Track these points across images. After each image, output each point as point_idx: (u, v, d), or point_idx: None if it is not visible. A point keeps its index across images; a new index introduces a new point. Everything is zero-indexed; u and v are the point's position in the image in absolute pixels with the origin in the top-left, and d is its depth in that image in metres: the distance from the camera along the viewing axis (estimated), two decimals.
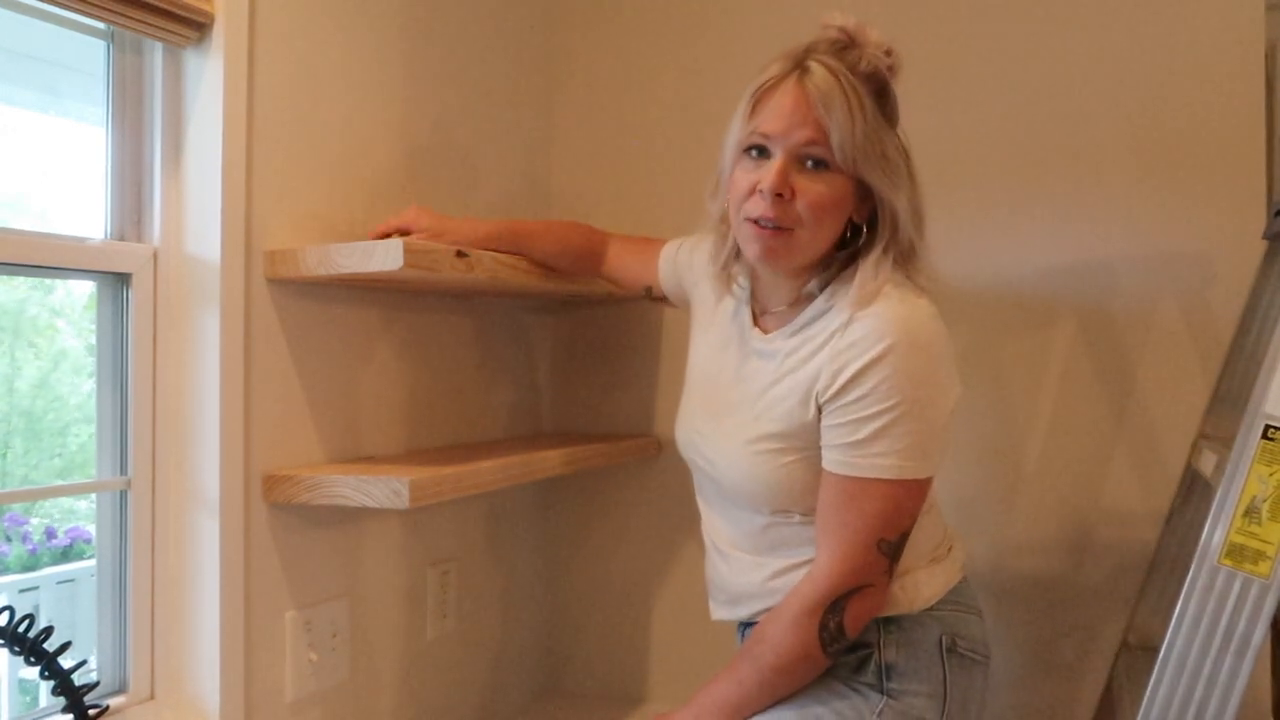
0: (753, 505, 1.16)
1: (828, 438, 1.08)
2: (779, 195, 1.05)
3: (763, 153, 1.08)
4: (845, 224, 1.11)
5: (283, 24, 1.27)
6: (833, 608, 1.06)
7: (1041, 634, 1.52)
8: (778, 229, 1.07)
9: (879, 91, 1.07)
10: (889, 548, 1.07)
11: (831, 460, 1.08)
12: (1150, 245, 1.47)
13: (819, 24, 1.09)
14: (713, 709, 1.11)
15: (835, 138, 1.03)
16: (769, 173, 1.06)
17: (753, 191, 1.07)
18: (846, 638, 1.08)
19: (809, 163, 1.06)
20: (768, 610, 1.17)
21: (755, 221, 1.08)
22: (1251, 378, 1.15)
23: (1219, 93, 1.43)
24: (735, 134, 1.10)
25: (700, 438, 1.23)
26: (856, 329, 1.06)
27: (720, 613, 1.26)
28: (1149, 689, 0.94)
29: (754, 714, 1.10)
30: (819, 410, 1.08)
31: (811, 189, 1.06)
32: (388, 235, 1.31)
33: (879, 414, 1.04)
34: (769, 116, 1.06)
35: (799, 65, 1.06)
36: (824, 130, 1.04)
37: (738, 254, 1.17)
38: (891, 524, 1.06)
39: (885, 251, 1.09)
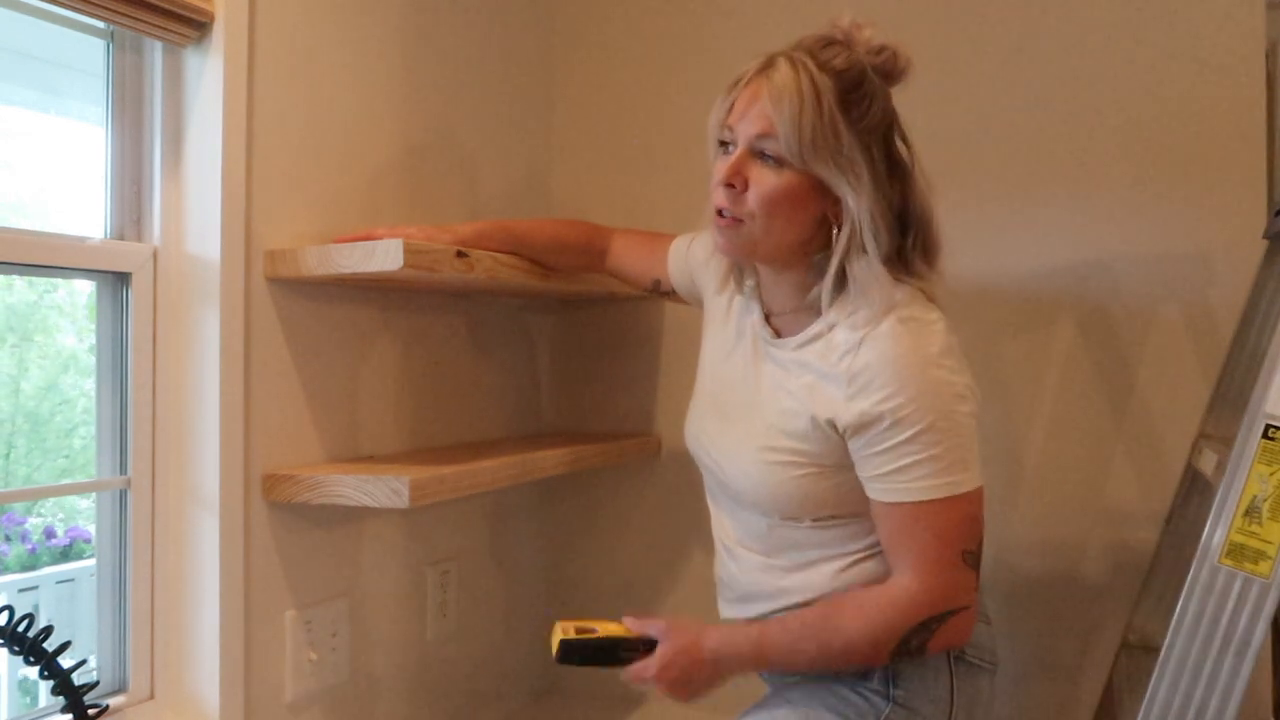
0: (760, 510, 1.16)
1: (867, 469, 1.07)
2: (730, 185, 1.08)
3: (731, 145, 1.10)
4: (811, 221, 1.10)
5: (283, 23, 1.27)
6: (922, 627, 1.05)
7: (1041, 634, 1.52)
8: (731, 219, 1.09)
9: (848, 88, 1.06)
10: (973, 559, 1.06)
11: (879, 490, 1.06)
12: (1150, 245, 1.47)
13: (793, 20, 1.11)
14: (752, 647, 1.10)
15: (782, 131, 1.04)
16: (724, 163, 1.09)
17: (717, 183, 1.10)
18: (922, 655, 1.07)
19: (766, 157, 1.07)
20: (775, 609, 1.16)
21: (718, 212, 1.10)
22: (1252, 377, 1.15)
23: (1219, 92, 1.43)
24: (710, 129, 1.13)
25: (709, 439, 1.22)
26: (867, 353, 1.05)
27: (729, 611, 1.25)
28: (1149, 689, 0.94)
29: (781, 670, 1.11)
30: (839, 435, 1.07)
31: (762, 180, 1.07)
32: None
33: (913, 438, 1.03)
34: (733, 110, 1.09)
35: (769, 61, 1.08)
36: (773, 124, 1.05)
37: None
38: (967, 535, 1.06)
39: (849, 253, 1.07)
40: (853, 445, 1.07)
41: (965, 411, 1.06)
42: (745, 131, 1.07)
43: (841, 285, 1.11)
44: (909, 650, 1.06)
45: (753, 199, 1.08)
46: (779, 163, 1.06)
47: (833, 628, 1.08)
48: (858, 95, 1.06)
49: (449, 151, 1.59)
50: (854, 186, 1.06)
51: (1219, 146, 1.43)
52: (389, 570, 1.47)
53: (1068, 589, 1.51)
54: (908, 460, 1.04)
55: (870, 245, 1.07)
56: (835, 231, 1.10)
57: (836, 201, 1.08)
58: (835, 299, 1.10)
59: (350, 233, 1.30)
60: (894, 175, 1.09)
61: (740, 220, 1.09)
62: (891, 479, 1.05)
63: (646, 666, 1.11)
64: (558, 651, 1.13)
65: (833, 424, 1.07)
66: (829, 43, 1.07)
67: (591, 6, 1.84)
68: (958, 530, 1.05)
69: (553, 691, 1.87)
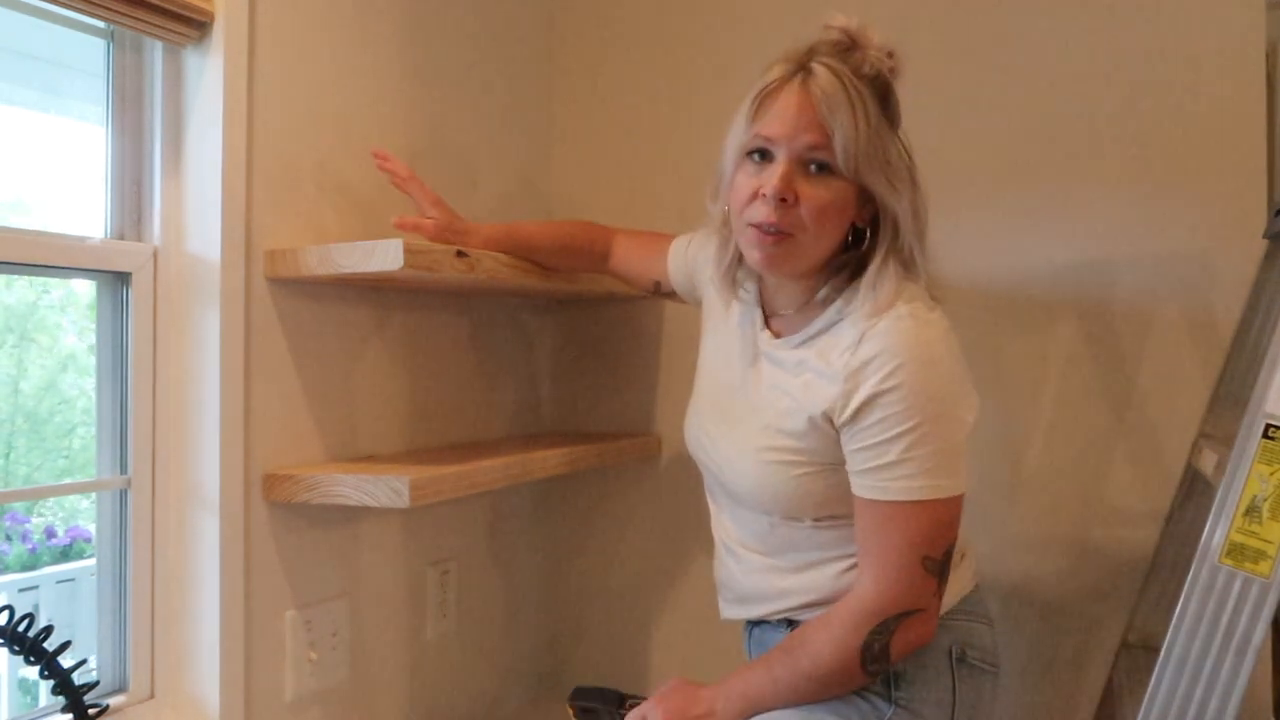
0: (762, 510, 1.16)
1: (853, 463, 1.07)
2: (783, 200, 1.04)
3: (765, 156, 1.06)
4: (848, 228, 1.10)
5: (283, 23, 1.27)
6: (880, 629, 1.05)
7: (1042, 633, 1.52)
8: (779, 234, 1.06)
9: (882, 95, 1.06)
10: (935, 566, 1.05)
11: (861, 485, 1.06)
12: (1150, 245, 1.47)
13: (820, 25, 1.07)
14: (740, 696, 1.11)
15: (839, 142, 1.02)
16: (773, 176, 1.04)
17: (755, 196, 1.06)
18: (889, 661, 1.06)
19: (812, 167, 1.04)
20: (777, 611, 1.17)
21: (758, 227, 1.06)
22: (1252, 377, 1.15)
23: (1219, 92, 1.43)
24: (737, 137, 1.09)
25: (709, 440, 1.22)
26: (867, 348, 1.04)
27: (729, 611, 1.25)
28: (1149, 688, 0.94)
29: (770, 703, 1.10)
30: (836, 431, 1.07)
31: (814, 194, 1.04)
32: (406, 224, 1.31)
33: (900, 435, 1.02)
34: (772, 120, 1.05)
35: (802, 68, 1.05)
36: (828, 134, 1.03)
37: (741, 259, 1.16)
38: (933, 541, 1.05)
39: (886, 258, 1.07)
40: (844, 438, 1.07)
41: (956, 417, 1.05)
42: (795, 142, 1.04)
43: (851, 278, 1.11)
44: (874, 655, 1.05)
45: (806, 212, 1.05)
46: (828, 173, 1.04)
47: (800, 646, 1.09)
48: (889, 101, 1.07)
49: (448, 151, 1.59)
50: (898, 192, 1.06)
51: (1219, 146, 1.43)
52: (389, 570, 1.47)
53: (1068, 589, 1.51)
54: (891, 458, 1.03)
55: (914, 248, 1.07)
56: (866, 235, 1.10)
57: (864, 205, 1.08)
58: (844, 291, 1.10)
59: (349, 233, 1.30)
60: (910, 173, 1.09)
61: (790, 234, 1.06)
62: (873, 475, 1.05)
63: (644, 702, 1.16)
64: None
65: (829, 417, 1.07)
66: (847, 48, 1.06)
67: (591, 7, 1.84)
68: (926, 535, 1.04)
69: (553, 691, 1.87)
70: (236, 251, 1.20)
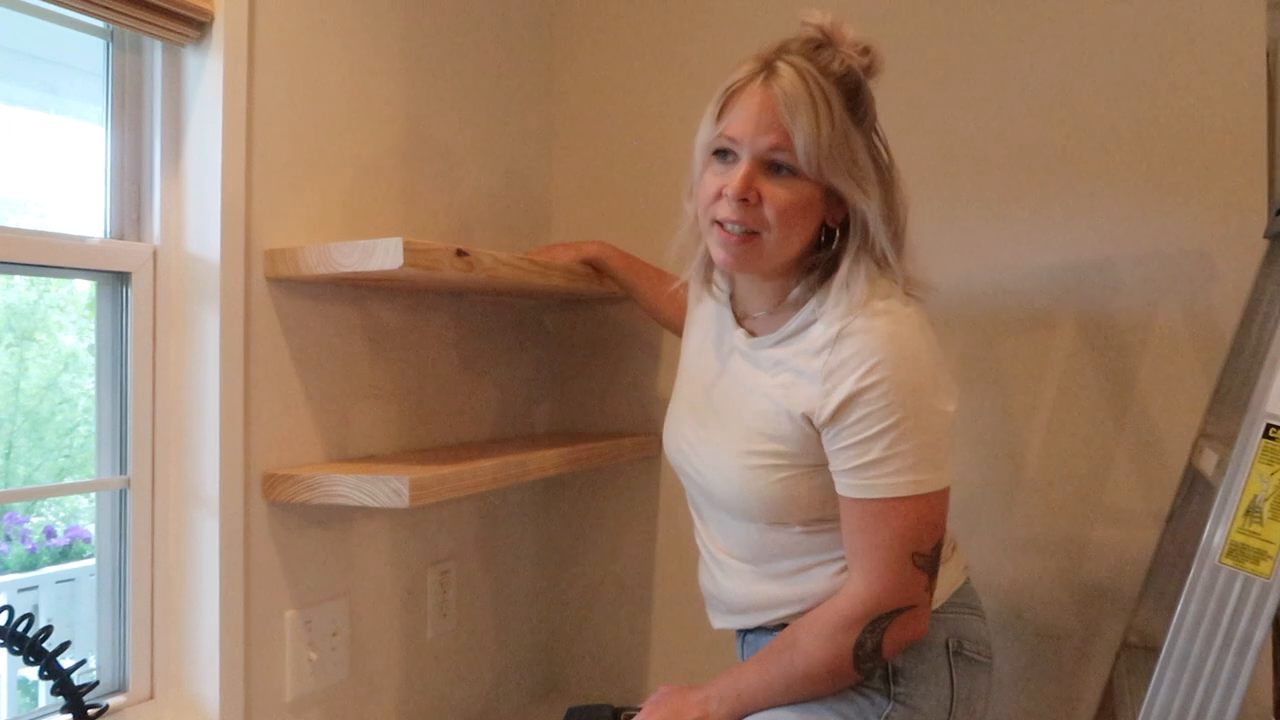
0: (748, 516, 1.15)
1: (836, 463, 1.06)
2: (744, 200, 1.04)
3: (730, 156, 1.07)
4: (817, 228, 1.10)
5: (283, 23, 1.27)
6: (872, 627, 1.05)
7: (1042, 634, 1.52)
8: (744, 234, 1.06)
9: (850, 93, 1.05)
10: (925, 561, 1.05)
11: (845, 485, 1.06)
12: (1150, 245, 1.47)
13: (798, 21, 1.07)
14: (732, 697, 1.11)
15: (800, 143, 1.02)
16: (733, 178, 1.05)
17: (720, 195, 1.06)
18: (881, 658, 1.06)
19: (774, 167, 1.05)
20: (773, 620, 1.16)
21: (721, 224, 1.07)
22: (1252, 377, 1.15)
23: (1219, 92, 1.43)
24: (704, 135, 1.09)
25: (689, 447, 1.21)
26: (844, 347, 1.04)
27: (721, 621, 1.25)
28: (1150, 689, 0.94)
29: (766, 705, 1.10)
30: (817, 431, 1.07)
31: (777, 194, 1.04)
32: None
33: (883, 432, 1.02)
34: (735, 119, 1.05)
35: (767, 66, 1.05)
36: (788, 135, 1.02)
37: (712, 261, 1.16)
38: (922, 537, 1.04)
39: (858, 258, 1.07)
40: (825, 438, 1.06)
41: (938, 409, 1.05)
42: (756, 143, 1.04)
43: (823, 279, 1.11)
44: (866, 653, 1.05)
45: (770, 212, 1.05)
46: (791, 173, 1.04)
47: (791, 648, 1.09)
48: (858, 100, 1.06)
49: (449, 151, 1.59)
50: (866, 193, 1.05)
51: (1219, 146, 1.43)
52: (389, 570, 1.47)
53: (1068, 589, 1.51)
54: (875, 455, 1.03)
55: (885, 248, 1.07)
56: (837, 235, 1.10)
57: (836, 206, 1.08)
58: (817, 291, 1.10)
59: (346, 231, 1.30)
60: (882, 173, 1.09)
61: (755, 234, 1.06)
62: (858, 474, 1.04)
63: (637, 715, 1.16)
64: None
65: (809, 418, 1.06)
66: (818, 45, 1.05)
67: (591, 6, 1.84)
68: (914, 531, 1.04)
69: (553, 691, 1.87)
70: (236, 251, 1.20)
